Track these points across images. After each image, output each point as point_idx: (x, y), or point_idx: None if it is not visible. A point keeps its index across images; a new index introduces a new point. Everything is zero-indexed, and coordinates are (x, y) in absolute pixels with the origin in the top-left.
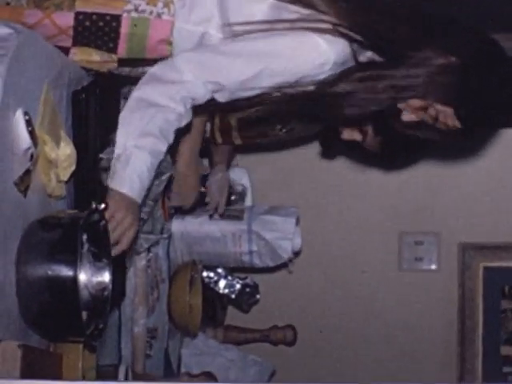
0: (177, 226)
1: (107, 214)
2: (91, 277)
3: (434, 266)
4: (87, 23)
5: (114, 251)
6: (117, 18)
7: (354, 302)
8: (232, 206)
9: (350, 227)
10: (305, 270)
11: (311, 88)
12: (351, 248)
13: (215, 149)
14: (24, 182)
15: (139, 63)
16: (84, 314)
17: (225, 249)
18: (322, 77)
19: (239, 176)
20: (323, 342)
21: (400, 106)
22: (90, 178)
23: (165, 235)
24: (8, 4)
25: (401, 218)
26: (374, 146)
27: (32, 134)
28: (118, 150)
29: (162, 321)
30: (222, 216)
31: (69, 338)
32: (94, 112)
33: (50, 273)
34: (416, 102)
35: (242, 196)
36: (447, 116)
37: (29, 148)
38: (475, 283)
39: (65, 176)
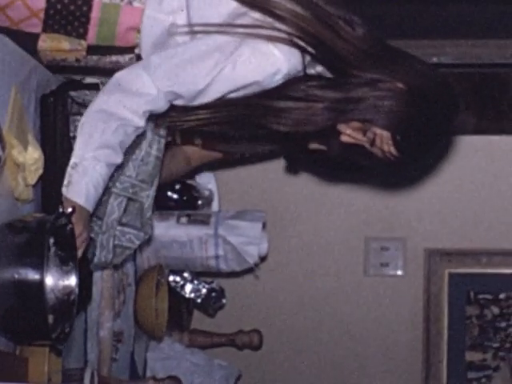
0: None
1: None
2: (58, 280)
3: (399, 272)
4: (58, 6)
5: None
6: (88, 3)
7: (319, 307)
8: (199, 211)
9: (317, 232)
10: (271, 274)
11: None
12: (317, 253)
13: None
14: None
15: (107, 52)
16: (50, 318)
17: (191, 253)
18: (271, 86)
19: (206, 180)
20: (289, 347)
21: (339, 126)
22: (57, 181)
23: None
24: None
25: (367, 223)
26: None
27: (0, 137)
28: (75, 159)
29: (128, 324)
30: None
31: (35, 341)
32: (61, 116)
33: (16, 276)
34: (355, 124)
35: (208, 201)
36: (383, 141)
37: None
38: (440, 289)
39: (32, 180)
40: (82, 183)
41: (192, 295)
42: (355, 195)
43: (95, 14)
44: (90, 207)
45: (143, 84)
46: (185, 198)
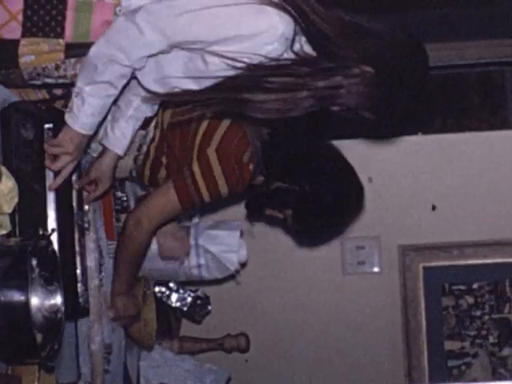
0: None
1: (56, 141)
2: (43, 300)
3: (376, 269)
4: (35, 7)
5: (55, 182)
6: (63, 2)
7: (301, 307)
8: (179, 223)
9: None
10: (252, 279)
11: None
12: (296, 256)
13: None
14: None
15: (84, 52)
16: (39, 337)
17: (174, 264)
18: (268, 49)
19: None
20: (275, 347)
21: None
22: (32, 205)
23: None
24: None
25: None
26: (293, 226)
27: None
28: (77, 88)
29: (118, 336)
30: None
31: (25, 360)
32: (22, 127)
33: (2, 299)
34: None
35: (187, 212)
36: None
37: None
38: (416, 283)
39: (9, 208)
40: (79, 112)
41: (178, 304)
42: None
43: (70, 12)
44: (86, 131)
45: (139, 31)
46: None
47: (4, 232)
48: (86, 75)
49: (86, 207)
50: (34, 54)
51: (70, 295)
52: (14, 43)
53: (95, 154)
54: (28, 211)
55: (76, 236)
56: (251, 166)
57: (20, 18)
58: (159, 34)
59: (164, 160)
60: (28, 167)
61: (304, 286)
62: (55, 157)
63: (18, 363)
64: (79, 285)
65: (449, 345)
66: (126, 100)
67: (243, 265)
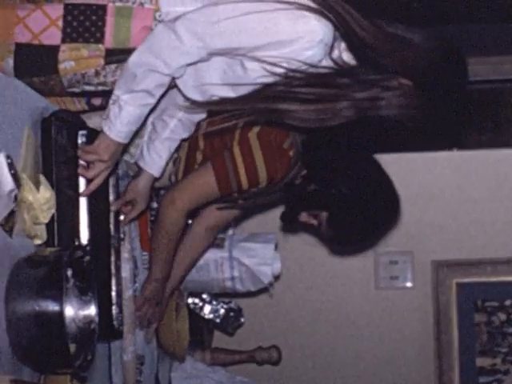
0: None
1: (91, 148)
2: (78, 310)
3: (409, 284)
4: (75, 12)
5: (88, 189)
6: (102, 8)
7: (333, 321)
8: None
9: (328, 250)
10: (286, 292)
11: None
12: (329, 270)
13: None
14: (9, 223)
15: (124, 58)
16: (72, 347)
17: (208, 276)
18: (307, 54)
19: None
20: (307, 360)
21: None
22: (67, 215)
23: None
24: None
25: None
26: (327, 233)
27: (15, 176)
28: (114, 96)
29: (150, 347)
30: None
31: (58, 369)
32: (60, 135)
33: (37, 308)
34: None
35: None
36: None
37: (12, 190)
38: (449, 299)
39: (45, 218)
40: (116, 120)
41: (211, 316)
42: None
43: (110, 18)
44: (120, 140)
45: (179, 39)
46: None
47: (40, 242)
48: (124, 83)
49: (121, 218)
50: (73, 59)
51: (103, 317)
52: (54, 49)
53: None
54: (63, 221)
55: (112, 253)
56: (291, 153)
57: (60, 23)
58: (198, 42)
59: (200, 152)
60: (63, 175)
61: (337, 300)
62: (89, 164)
63: (50, 373)
64: (114, 307)
65: (480, 361)
66: (162, 122)
67: (277, 277)
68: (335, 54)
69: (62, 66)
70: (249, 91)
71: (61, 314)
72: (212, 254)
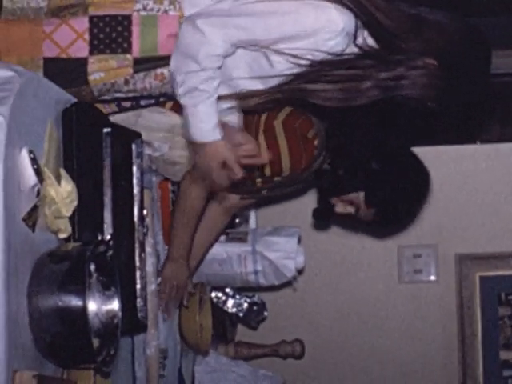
0: None
1: (202, 161)
2: (101, 305)
3: (432, 277)
4: (101, 24)
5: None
6: (127, 18)
7: (356, 315)
8: (236, 229)
9: (351, 244)
10: (309, 286)
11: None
12: (353, 264)
13: None
14: (32, 218)
15: (152, 66)
16: (95, 341)
17: (231, 270)
18: (330, 44)
19: None
20: (330, 354)
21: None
22: (90, 210)
23: None
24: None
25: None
26: (367, 216)
27: (37, 171)
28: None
29: (173, 341)
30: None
31: (82, 364)
32: (83, 129)
33: (60, 303)
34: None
35: (245, 218)
36: None
37: (35, 185)
38: (472, 292)
39: (68, 212)
40: (190, 125)
41: (234, 310)
42: None
43: (136, 27)
44: (207, 139)
45: (202, 35)
46: None
47: (64, 236)
48: (175, 90)
49: (145, 212)
50: (103, 71)
51: (128, 310)
52: (83, 61)
53: (156, 154)
54: (86, 215)
55: (136, 247)
56: (316, 142)
57: (86, 36)
58: (220, 34)
59: None
60: (87, 170)
61: (360, 294)
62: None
63: (74, 368)
64: (138, 300)
65: (504, 355)
66: None
67: (300, 271)
68: (359, 40)
69: (91, 78)
70: (277, 82)
71: (84, 308)
72: (235, 248)
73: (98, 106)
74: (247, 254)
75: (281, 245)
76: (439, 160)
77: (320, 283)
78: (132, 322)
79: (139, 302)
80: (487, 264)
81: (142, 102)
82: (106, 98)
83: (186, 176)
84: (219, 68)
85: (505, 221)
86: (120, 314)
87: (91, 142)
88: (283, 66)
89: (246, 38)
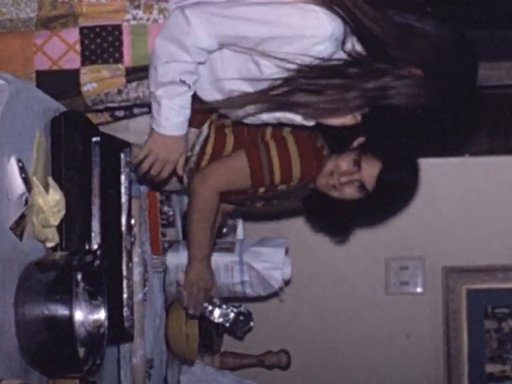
0: (172, 259)
1: (143, 153)
2: (87, 315)
3: (419, 290)
4: (92, 35)
5: (156, 181)
6: (118, 28)
7: (343, 326)
8: (224, 239)
9: (339, 255)
10: (296, 297)
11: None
12: (339, 275)
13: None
14: (19, 226)
15: (145, 75)
16: (81, 351)
17: (218, 280)
18: (317, 49)
19: None
20: (316, 365)
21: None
22: (78, 219)
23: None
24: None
25: (386, 244)
26: (368, 180)
27: (26, 180)
28: (151, 93)
29: (160, 351)
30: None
31: (67, 374)
32: (71, 138)
33: (47, 312)
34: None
35: (233, 228)
36: None
37: (23, 193)
38: (459, 305)
39: (55, 221)
40: (159, 116)
41: (221, 320)
42: None
43: (126, 37)
44: (171, 133)
45: (189, 25)
46: None
47: (52, 244)
48: (153, 79)
49: (133, 221)
50: (95, 81)
51: (114, 319)
52: (75, 72)
53: None
54: (73, 224)
55: (124, 256)
56: (325, 152)
57: (78, 47)
58: (207, 27)
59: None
60: (75, 180)
61: (347, 305)
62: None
63: (59, 377)
64: (125, 309)
65: (490, 368)
66: None
67: (287, 282)
68: (348, 46)
69: (84, 89)
70: (266, 86)
71: (70, 318)
72: (222, 259)
73: (92, 115)
74: (234, 265)
75: (268, 255)
76: (427, 172)
77: (307, 294)
78: (118, 331)
79: (126, 312)
80: (474, 277)
81: (136, 111)
82: (99, 107)
83: (196, 178)
84: (201, 63)
85: (492, 234)
86: (106, 323)
87: (80, 150)
88: (271, 71)
89: (233, 35)
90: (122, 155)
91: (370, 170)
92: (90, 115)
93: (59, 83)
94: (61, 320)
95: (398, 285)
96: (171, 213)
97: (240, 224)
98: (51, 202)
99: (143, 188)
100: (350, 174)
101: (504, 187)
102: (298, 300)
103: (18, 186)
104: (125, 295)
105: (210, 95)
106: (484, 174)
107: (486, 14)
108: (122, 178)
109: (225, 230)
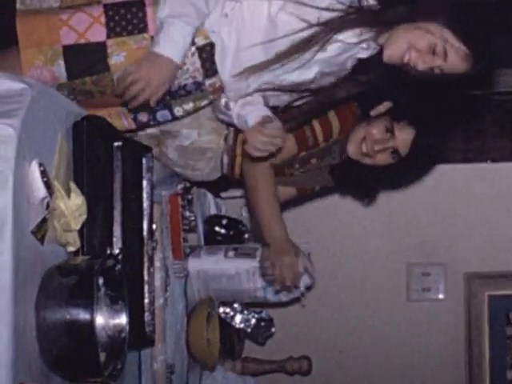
0: (193, 264)
1: (132, 68)
2: (108, 319)
3: (441, 296)
4: (115, 8)
5: (130, 105)
6: (140, 0)
7: (365, 333)
8: (245, 245)
9: (360, 261)
10: (317, 303)
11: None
12: (361, 281)
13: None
14: (41, 230)
15: None
16: (102, 355)
17: (240, 285)
18: None
19: None
20: (337, 371)
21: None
22: (99, 224)
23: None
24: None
25: (408, 250)
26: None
27: (47, 184)
28: (158, 22)
29: (181, 356)
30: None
31: (88, 378)
32: (93, 143)
33: (68, 317)
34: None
35: (255, 234)
36: (451, 44)
37: (45, 197)
38: (481, 311)
39: (77, 225)
40: (159, 34)
41: (242, 325)
42: (396, 224)
43: (149, 8)
44: (168, 53)
45: None
46: (231, 232)
47: (73, 249)
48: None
49: (154, 226)
50: (123, 52)
51: (136, 324)
52: (101, 45)
53: (188, 142)
54: (95, 229)
55: (145, 261)
56: (355, 109)
57: (103, 19)
58: None
59: None
60: (97, 184)
61: (368, 311)
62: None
63: (80, 381)
64: (146, 314)
65: (511, 374)
66: None
67: (308, 288)
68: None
69: (112, 62)
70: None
71: (91, 322)
72: (244, 264)
73: (115, 117)
74: (256, 270)
75: None
76: (449, 178)
77: (328, 300)
78: (139, 336)
79: (147, 317)
80: (496, 283)
81: (159, 116)
82: None
83: (244, 164)
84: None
85: None
86: (127, 328)
87: (101, 155)
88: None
89: None
90: (144, 160)
91: (404, 137)
92: (113, 117)
93: (87, 57)
94: (82, 324)
95: (419, 291)
96: (193, 218)
97: None
98: (73, 206)
99: (165, 193)
100: (384, 142)
101: None
102: (319, 306)
103: (40, 190)
104: (146, 300)
105: (227, 72)
106: (505, 180)
107: (506, 20)
108: (144, 182)
109: (246, 236)
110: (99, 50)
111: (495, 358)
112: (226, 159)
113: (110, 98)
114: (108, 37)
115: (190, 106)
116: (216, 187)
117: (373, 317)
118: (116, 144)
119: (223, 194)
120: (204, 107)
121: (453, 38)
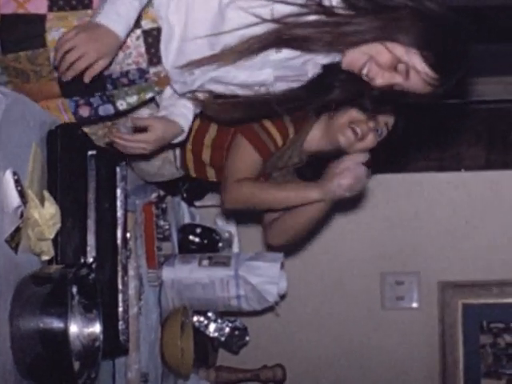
0: (167, 273)
1: (71, 32)
2: (82, 328)
3: (415, 305)
4: None
5: (65, 76)
6: None
7: (338, 341)
8: (219, 253)
9: (334, 270)
10: (291, 311)
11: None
12: (335, 289)
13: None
14: (15, 239)
15: None
16: (76, 364)
17: (214, 294)
18: None
19: (226, 223)
20: (311, 380)
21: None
22: (73, 232)
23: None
24: None
25: (382, 259)
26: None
27: (21, 192)
28: None
29: (155, 365)
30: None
31: None
32: (67, 151)
33: (42, 325)
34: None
35: (228, 243)
36: (416, 65)
37: (19, 206)
38: (455, 320)
39: (51, 234)
40: (107, 9)
41: (216, 334)
42: (370, 233)
43: None
44: (114, 29)
45: None
46: (206, 241)
47: (47, 258)
48: None
49: (128, 235)
50: (62, 27)
51: (110, 332)
52: (41, 18)
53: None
54: (69, 238)
55: (119, 270)
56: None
57: None
58: None
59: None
60: (71, 193)
61: (342, 320)
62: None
63: None
64: (120, 323)
65: (485, 383)
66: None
67: (282, 297)
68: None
69: (49, 37)
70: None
71: (65, 331)
72: (218, 273)
73: (54, 106)
74: (230, 279)
75: (264, 270)
76: (423, 187)
77: (302, 309)
78: (113, 344)
79: (121, 325)
80: (470, 292)
81: (101, 110)
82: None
83: (228, 192)
84: None
85: (488, 249)
86: (101, 336)
87: (76, 164)
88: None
89: None
90: (118, 169)
91: (386, 118)
92: (52, 109)
93: (23, 29)
94: (56, 333)
95: (393, 300)
96: (167, 227)
97: (236, 238)
98: (47, 215)
99: (139, 201)
100: (373, 118)
101: (500, 202)
102: (293, 315)
103: (14, 198)
104: (120, 309)
105: (170, 62)
106: (480, 189)
107: (482, 29)
108: (118, 191)
109: (221, 245)
110: (38, 22)
111: (469, 367)
112: (177, 151)
113: (47, 84)
114: (50, 10)
115: (134, 98)
116: (190, 196)
117: (347, 325)
118: (90, 153)
119: (197, 203)
120: (149, 101)
121: (420, 61)
